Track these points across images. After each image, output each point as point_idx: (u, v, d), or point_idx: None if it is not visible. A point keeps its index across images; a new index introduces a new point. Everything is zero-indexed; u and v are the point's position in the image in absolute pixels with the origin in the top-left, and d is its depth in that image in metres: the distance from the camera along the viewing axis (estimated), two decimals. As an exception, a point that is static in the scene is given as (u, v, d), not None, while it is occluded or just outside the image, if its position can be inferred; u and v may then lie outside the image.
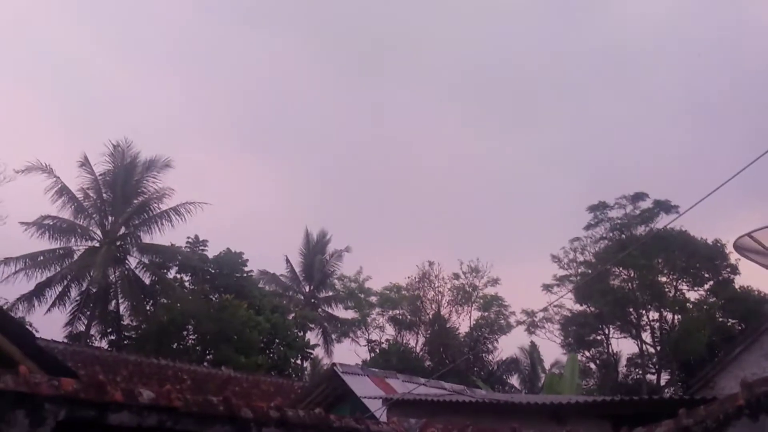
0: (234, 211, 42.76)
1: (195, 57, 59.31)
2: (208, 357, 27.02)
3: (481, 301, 36.19)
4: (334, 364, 14.07)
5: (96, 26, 54.64)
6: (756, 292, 29.16)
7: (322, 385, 13.88)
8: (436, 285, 36.18)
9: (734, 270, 30.78)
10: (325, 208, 52.66)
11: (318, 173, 56.74)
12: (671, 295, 32.10)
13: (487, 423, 10.03)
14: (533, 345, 33.33)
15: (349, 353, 34.93)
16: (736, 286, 30.61)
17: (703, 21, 52.89)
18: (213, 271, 30.38)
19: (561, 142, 55.98)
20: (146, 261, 27.37)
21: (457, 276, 36.65)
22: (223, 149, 56.66)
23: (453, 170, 57.17)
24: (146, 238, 27.16)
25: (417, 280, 36.08)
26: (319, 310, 36.02)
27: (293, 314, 32.92)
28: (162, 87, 53.82)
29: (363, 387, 13.49)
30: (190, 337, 27.65)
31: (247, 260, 31.35)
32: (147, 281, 27.29)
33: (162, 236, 27.43)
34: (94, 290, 25.48)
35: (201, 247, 30.44)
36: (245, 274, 31.57)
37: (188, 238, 29.94)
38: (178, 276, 29.55)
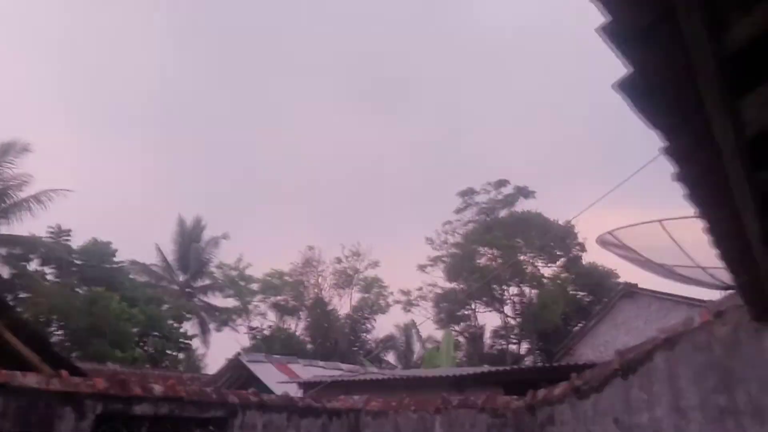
0: (100, 200, 39.89)
1: (51, 30, 53.73)
2: (75, 354, 25.47)
3: (362, 283, 37.38)
4: (239, 353, 14.14)
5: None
6: (600, 267, 33.08)
7: (227, 374, 13.91)
8: (318, 269, 36.76)
9: (582, 248, 34.59)
10: (200, 197, 50.76)
11: (193, 160, 54.36)
12: (529, 271, 35.35)
13: (399, 396, 10.86)
14: (413, 322, 35.02)
15: (229, 342, 34.48)
16: (584, 262, 34.43)
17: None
18: (79, 263, 28.57)
19: (435, 132, 58.15)
20: (3, 253, 25.02)
21: (339, 260, 37.55)
22: (86, 131, 52.13)
23: (332, 156, 57.60)
24: (3, 229, 24.81)
25: (300, 265, 36.40)
26: (196, 299, 35.02)
27: (167, 305, 31.84)
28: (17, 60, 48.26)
29: (268, 373, 13.75)
30: (56, 333, 25.89)
31: (116, 250, 29.95)
32: (5, 275, 24.95)
33: (21, 226, 25.28)
34: (-56, 288, 22.87)
35: (64, 237, 28.41)
36: (115, 265, 30.08)
37: (50, 227, 27.82)
38: (41, 269, 27.38)
